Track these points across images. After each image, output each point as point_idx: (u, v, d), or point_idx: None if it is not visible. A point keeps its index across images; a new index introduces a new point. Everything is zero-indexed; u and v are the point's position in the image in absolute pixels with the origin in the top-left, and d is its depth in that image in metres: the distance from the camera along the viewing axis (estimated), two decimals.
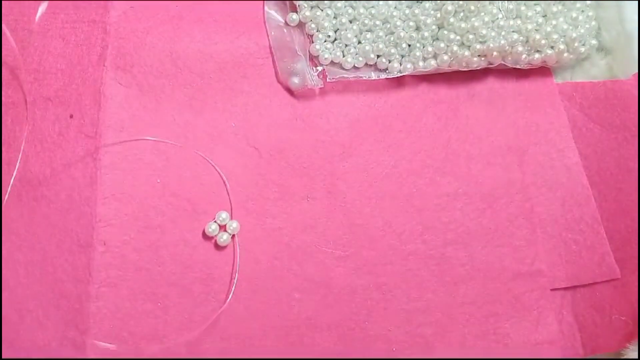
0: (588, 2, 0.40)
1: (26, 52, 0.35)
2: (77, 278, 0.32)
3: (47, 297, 0.32)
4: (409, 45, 0.38)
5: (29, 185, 0.33)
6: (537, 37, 0.38)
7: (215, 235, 0.34)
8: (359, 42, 0.39)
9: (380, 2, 0.38)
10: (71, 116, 0.34)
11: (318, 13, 0.38)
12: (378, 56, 0.38)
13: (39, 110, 0.34)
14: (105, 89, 0.35)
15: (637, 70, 0.39)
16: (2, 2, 0.35)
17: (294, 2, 0.38)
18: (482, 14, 0.38)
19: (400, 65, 0.38)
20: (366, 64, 0.39)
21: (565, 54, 0.39)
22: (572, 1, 0.40)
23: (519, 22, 0.39)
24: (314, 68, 0.38)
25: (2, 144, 0.33)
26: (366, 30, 0.39)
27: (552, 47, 0.39)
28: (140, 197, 0.34)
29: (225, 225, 0.34)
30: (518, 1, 0.39)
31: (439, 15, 0.38)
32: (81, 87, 0.35)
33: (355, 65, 0.39)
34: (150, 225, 0.33)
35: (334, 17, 0.39)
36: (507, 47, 0.38)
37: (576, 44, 0.39)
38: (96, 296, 0.32)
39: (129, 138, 0.35)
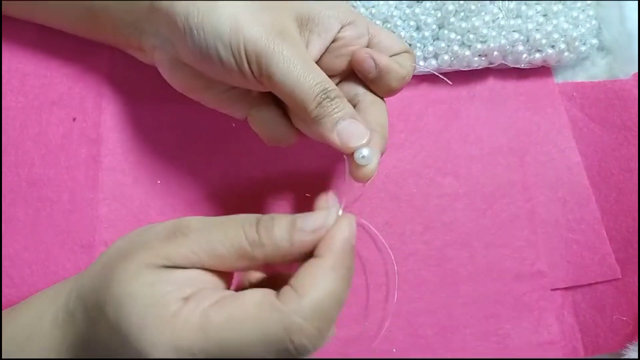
0: (589, 1, 0.40)
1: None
2: None
3: None
4: (410, 45, 0.38)
5: (34, 187, 0.33)
6: (538, 36, 0.38)
7: None
8: None
9: (381, 2, 0.38)
10: (74, 119, 0.35)
11: None
12: None
13: (44, 114, 0.35)
14: (106, 91, 0.35)
15: (637, 70, 0.38)
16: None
17: None
18: (483, 13, 0.38)
19: None
20: None
21: (566, 53, 0.39)
22: (572, 0, 0.39)
23: (519, 21, 0.38)
24: None
25: (7, 146, 0.34)
26: None
27: (552, 47, 0.38)
28: (141, 199, 0.34)
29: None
30: (519, 0, 0.39)
31: (439, 14, 0.38)
32: (84, 91, 0.35)
33: None
34: None
35: None
36: (508, 47, 0.38)
37: (577, 43, 0.38)
38: None
39: (130, 140, 0.35)
